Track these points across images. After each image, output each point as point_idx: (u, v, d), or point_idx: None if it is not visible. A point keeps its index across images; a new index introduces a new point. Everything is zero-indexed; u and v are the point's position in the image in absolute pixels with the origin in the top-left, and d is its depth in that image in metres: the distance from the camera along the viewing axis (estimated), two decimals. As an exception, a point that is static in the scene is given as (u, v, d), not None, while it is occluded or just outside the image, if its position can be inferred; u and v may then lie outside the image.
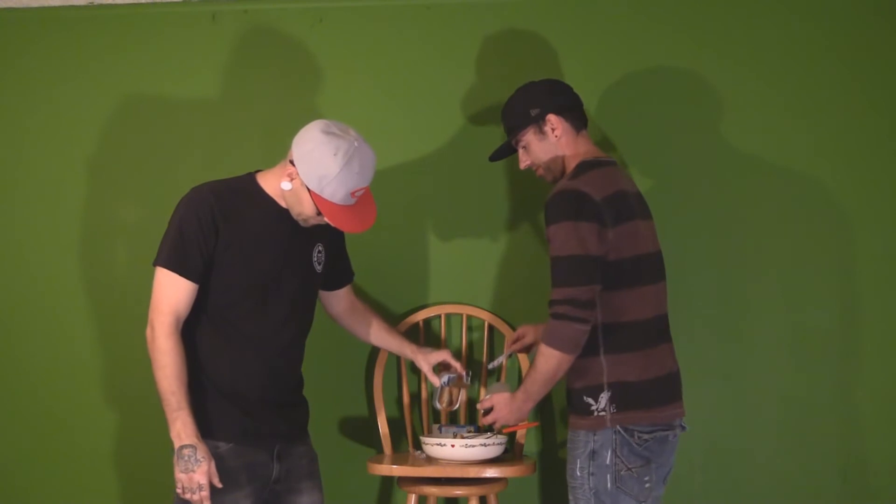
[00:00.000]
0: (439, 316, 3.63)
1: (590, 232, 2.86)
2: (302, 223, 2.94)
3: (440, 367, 3.35)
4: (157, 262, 2.85)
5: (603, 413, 2.90)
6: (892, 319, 3.54)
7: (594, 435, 2.90)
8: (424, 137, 3.69)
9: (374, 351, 3.63)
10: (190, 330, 2.87)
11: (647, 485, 2.92)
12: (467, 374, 3.38)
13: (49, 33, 3.80)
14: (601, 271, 2.87)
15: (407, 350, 3.32)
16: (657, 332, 2.99)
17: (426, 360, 3.31)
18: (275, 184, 2.92)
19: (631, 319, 2.93)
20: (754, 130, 3.59)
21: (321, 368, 3.65)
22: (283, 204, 2.93)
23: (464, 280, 3.66)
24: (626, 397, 2.90)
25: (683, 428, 3.01)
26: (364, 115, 3.68)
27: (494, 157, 3.29)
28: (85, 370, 3.77)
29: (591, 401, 2.92)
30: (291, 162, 2.85)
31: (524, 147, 3.12)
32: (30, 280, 3.80)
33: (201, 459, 2.75)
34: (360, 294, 3.65)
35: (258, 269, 2.89)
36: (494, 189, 3.65)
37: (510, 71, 3.63)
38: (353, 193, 2.84)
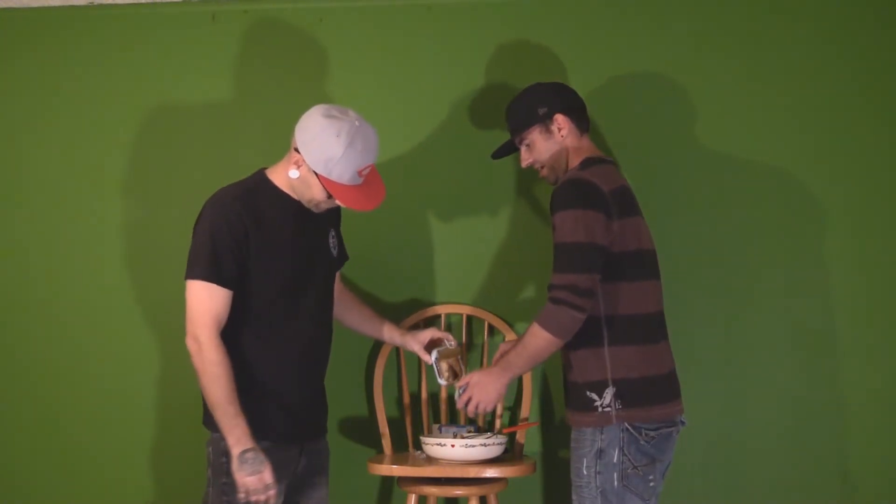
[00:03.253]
0: (439, 316, 3.63)
1: (596, 221, 2.88)
2: (314, 209, 2.96)
3: (431, 346, 3.32)
4: (193, 276, 2.83)
5: (608, 409, 2.90)
6: (892, 319, 3.55)
7: (601, 433, 2.91)
8: (425, 137, 3.69)
9: (374, 351, 3.63)
10: (228, 336, 2.86)
11: (652, 483, 2.93)
12: (451, 338, 3.31)
13: (49, 33, 3.80)
14: (604, 261, 2.89)
15: (396, 336, 3.32)
16: (658, 328, 3.01)
17: (416, 340, 3.30)
18: (285, 177, 2.94)
19: (635, 312, 2.94)
20: (755, 130, 3.59)
21: (321, 368, 3.66)
22: (295, 196, 2.95)
23: (464, 280, 3.66)
24: (632, 394, 2.91)
25: (684, 423, 3.03)
26: (364, 115, 3.66)
27: (497, 155, 3.31)
28: (88, 371, 3.77)
29: (594, 396, 2.92)
30: (296, 150, 2.87)
31: (528, 145, 3.14)
32: (31, 281, 3.79)
33: (265, 460, 2.79)
34: (361, 294, 3.66)
35: (291, 267, 2.92)
36: (496, 189, 3.65)
37: (511, 71, 3.64)
38: (360, 172, 2.86)
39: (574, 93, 3.17)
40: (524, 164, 3.17)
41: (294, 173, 2.88)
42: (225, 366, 2.79)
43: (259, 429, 2.83)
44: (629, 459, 2.89)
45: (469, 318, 3.63)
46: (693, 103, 3.60)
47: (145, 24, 3.77)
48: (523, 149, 3.16)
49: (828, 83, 3.58)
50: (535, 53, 3.64)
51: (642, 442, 2.90)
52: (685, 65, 3.61)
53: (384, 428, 3.58)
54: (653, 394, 2.93)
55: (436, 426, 3.55)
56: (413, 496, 3.37)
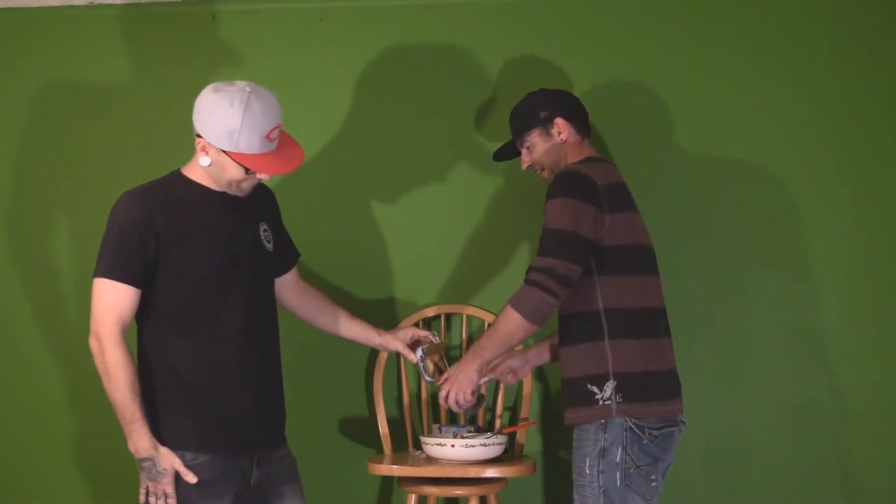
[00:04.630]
0: (439, 316, 3.63)
1: (585, 213, 2.89)
2: (239, 193, 2.86)
3: (414, 345, 3.26)
4: (96, 273, 2.74)
5: (609, 402, 2.90)
6: (892, 319, 3.55)
7: (604, 432, 2.90)
8: (424, 137, 3.70)
9: (374, 351, 3.63)
10: (152, 337, 2.80)
11: (654, 483, 2.93)
12: (434, 335, 3.29)
13: (49, 33, 3.80)
14: (591, 254, 2.90)
15: (375, 337, 3.23)
16: (660, 323, 3.02)
17: (398, 339, 3.22)
18: (199, 170, 2.85)
19: (634, 306, 2.95)
20: (755, 130, 3.59)
21: (321, 368, 3.66)
22: (214, 187, 2.86)
23: (464, 280, 3.66)
24: (632, 388, 2.90)
25: (684, 423, 3.03)
26: (364, 116, 3.68)
27: (498, 158, 3.33)
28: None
29: (595, 389, 2.92)
30: (198, 135, 2.79)
31: (528, 147, 3.17)
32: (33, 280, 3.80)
33: (163, 470, 2.72)
34: (361, 294, 3.66)
35: (211, 258, 2.80)
36: (495, 189, 3.66)
37: (510, 70, 3.64)
38: (267, 136, 2.76)
39: (577, 100, 3.20)
40: (524, 165, 3.20)
41: (205, 160, 2.80)
42: (125, 367, 2.69)
43: (196, 442, 2.76)
44: (632, 459, 2.89)
45: (469, 318, 3.63)
46: (690, 104, 3.60)
47: (145, 24, 3.77)
48: (524, 151, 3.19)
49: (823, 82, 3.57)
50: (535, 53, 3.65)
51: (645, 441, 2.90)
52: (682, 65, 3.61)
53: (384, 428, 3.57)
54: (653, 390, 2.93)
55: (436, 426, 3.55)
56: (413, 496, 3.37)
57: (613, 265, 2.93)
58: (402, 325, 3.57)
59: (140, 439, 2.71)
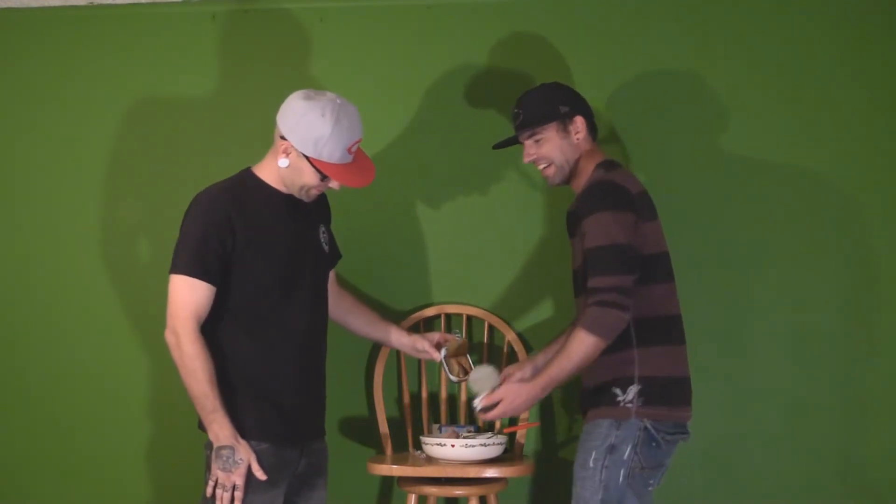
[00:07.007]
0: (439, 316, 3.63)
1: (629, 222, 2.90)
2: (305, 198, 2.96)
3: (440, 347, 3.32)
4: (174, 270, 2.84)
5: (629, 405, 2.90)
6: (892, 319, 3.54)
7: (617, 429, 2.90)
8: (425, 137, 3.69)
9: (375, 351, 3.63)
10: (219, 333, 2.88)
11: (650, 487, 2.94)
12: (457, 333, 3.32)
13: (49, 33, 3.80)
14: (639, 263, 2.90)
15: (404, 338, 3.32)
16: (680, 330, 3.04)
17: (426, 338, 3.31)
18: (272, 171, 2.94)
19: (664, 314, 2.96)
20: (756, 131, 3.59)
21: (321, 368, 3.66)
22: (283, 190, 2.95)
23: (464, 280, 3.66)
24: (655, 392, 2.92)
25: (689, 434, 3.04)
26: (364, 115, 3.66)
27: (497, 146, 3.29)
28: (85, 373, 3.76)
29: (618, 391, 2.92)
30: (282, 137, 2.87)
31: (538, 140, 3.10)
32: (27, 281, 3.79)
33: (239, 461, 2.80)
34: (361, 294, 3.66)
35: (280, 260, 2.91)
36: (496, 189, 3.65)
37: (511, 71, 3.64)
38: (349, 149, 2.87)
39: (586, 101, 3.17)
40: (528, 159, 3.13)
41: (284, 162, 2.88)
42: (202, 359, 2.79)
43: (258, 430, 2.85)
44: (640, 459, 2.90)
45: (469, 318, 3.63)
46: (699, 103, 3.59)
47: (145, 24, 3.77)
48: (530, 143, 3.12)
49: (829, 81, 3.57)
50: (536, 53, 3.64)
51: (655, 445, 2.90)
52: (689, 65, 3.60)
53: (384, 428, 3.57)
54: (674, 394, 2.95)
55: (436, 426, 3.55)
56: (413, 496, 3.37)
57: (646, 275, 2.92)
58: (401, 325, 3.57)
59: (222, 428, 2.80)
